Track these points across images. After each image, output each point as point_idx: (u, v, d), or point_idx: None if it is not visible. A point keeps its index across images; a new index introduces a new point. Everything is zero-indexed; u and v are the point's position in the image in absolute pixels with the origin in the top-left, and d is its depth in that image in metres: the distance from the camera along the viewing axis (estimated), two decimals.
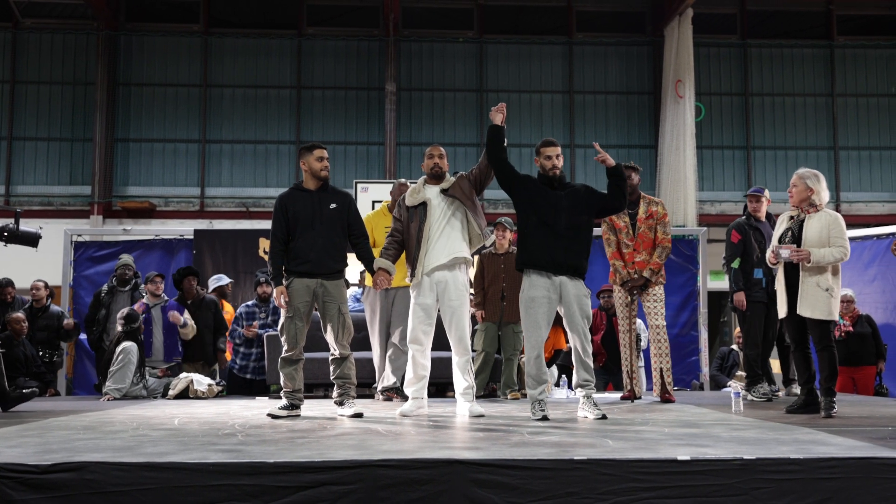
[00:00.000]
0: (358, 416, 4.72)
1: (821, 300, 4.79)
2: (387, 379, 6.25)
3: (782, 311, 5.02)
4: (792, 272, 4.92)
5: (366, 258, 5.05)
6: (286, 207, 4.90)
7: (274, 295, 4.86)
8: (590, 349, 4.82)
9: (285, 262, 4.91)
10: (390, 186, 7.06)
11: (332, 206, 4.91)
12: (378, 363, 6.34)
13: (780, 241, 5.02)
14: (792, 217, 5.07)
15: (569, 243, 4.72)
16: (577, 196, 4.81)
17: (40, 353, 7.73)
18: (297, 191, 4.99)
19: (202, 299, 7.87)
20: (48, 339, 7.88)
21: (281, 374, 4.92)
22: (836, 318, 4.90)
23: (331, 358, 4.96)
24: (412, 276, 5.05)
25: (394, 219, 5.24)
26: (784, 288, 4.97)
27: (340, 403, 4.90)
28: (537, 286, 4.72)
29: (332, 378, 4.97)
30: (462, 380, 5.02)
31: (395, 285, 6.12)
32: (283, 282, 4.86)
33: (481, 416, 4.78)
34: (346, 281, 5.11)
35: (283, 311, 4.89)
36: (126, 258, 8.07)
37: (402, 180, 6.61)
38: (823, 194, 4.97)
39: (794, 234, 4.95)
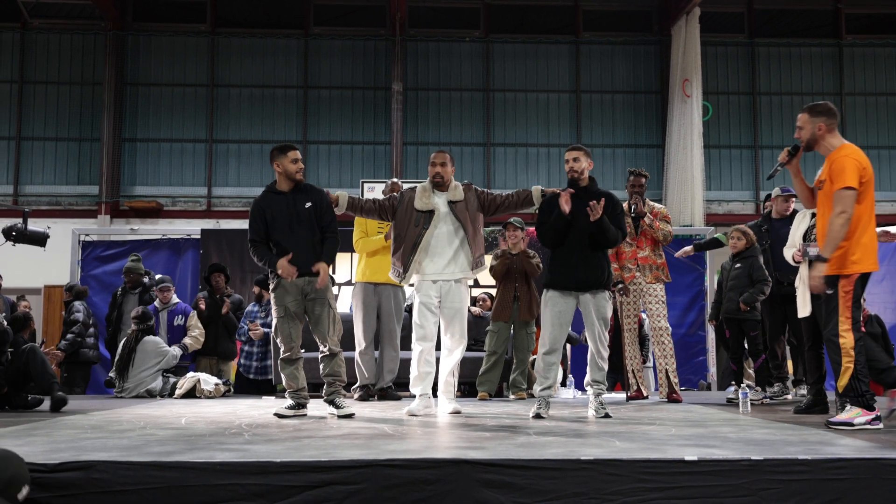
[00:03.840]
0: (349, 416, 4.65)
1: None
2: (381, 379, 6.30)
3: (804, 310, 4.84)
4: None
5: (328, 253, 4.89)
6: (263, 211, 4.85)
7: (281, 271, 4.72)
8: (605, 353, 4.82)
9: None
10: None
11: (308, 205, 4.87)
12: (359, 360, 6.28)
13: (805, 239, 4.94)
14: (814, 215, 5.00)
15: (589, 258, 4.71)
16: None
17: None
18: (271, 194, 4.93)
19: (227, 296, 8.01)
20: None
21: (282, 374, 4.93)
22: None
23: (320, 356, 4.93)
24: (401, 277, 5.07)
25: (387, 196, 5.24)
26: (806, 287, 4.86)
27: (332, 402, 4.85)
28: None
29: (321, 375, 4.92)
30: (447, 378, 5.14)
31: (381, 281, 6.17)
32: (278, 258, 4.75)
33: (458, 412, 4.93)
34: (333, 278, 5.12)
35: (273, 313, 4.90)
36: (132, 264, 8.08)
37: (395, 180, 6.56)
38: None
39: None
